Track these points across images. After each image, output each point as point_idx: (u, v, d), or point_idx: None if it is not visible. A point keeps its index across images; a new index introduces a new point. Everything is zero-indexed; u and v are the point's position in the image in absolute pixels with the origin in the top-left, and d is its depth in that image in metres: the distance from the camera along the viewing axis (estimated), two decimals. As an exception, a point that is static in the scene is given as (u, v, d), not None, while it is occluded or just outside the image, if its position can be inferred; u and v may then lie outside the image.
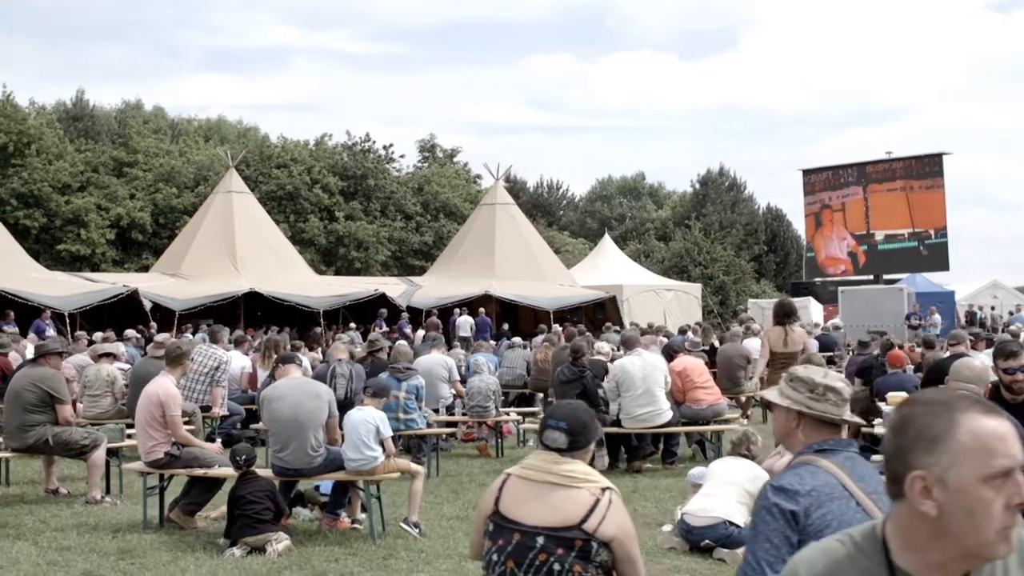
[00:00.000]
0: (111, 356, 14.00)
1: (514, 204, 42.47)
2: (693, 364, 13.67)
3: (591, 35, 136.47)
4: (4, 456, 11.31)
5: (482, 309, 34.13)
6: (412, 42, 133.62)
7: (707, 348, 20.33)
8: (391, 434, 9.09)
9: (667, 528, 9.19)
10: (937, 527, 2.18)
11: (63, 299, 28.20)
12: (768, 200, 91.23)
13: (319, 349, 20.18)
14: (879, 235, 47.76)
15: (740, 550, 7.44)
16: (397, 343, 14.91)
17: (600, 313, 37.10)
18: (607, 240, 49.77)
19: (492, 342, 25.93)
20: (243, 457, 8.77)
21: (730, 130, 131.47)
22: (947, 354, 12.08)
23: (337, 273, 46.01)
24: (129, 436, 11.43)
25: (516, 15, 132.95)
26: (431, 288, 36.76)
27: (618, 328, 28.19)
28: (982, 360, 7.41)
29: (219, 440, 12.54)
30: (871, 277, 46.68)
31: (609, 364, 13.84)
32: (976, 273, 65.03)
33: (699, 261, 55.94)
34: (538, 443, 4.26)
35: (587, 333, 22.36)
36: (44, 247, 44.53)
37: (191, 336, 24.57)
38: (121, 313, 29.56)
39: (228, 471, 9.13)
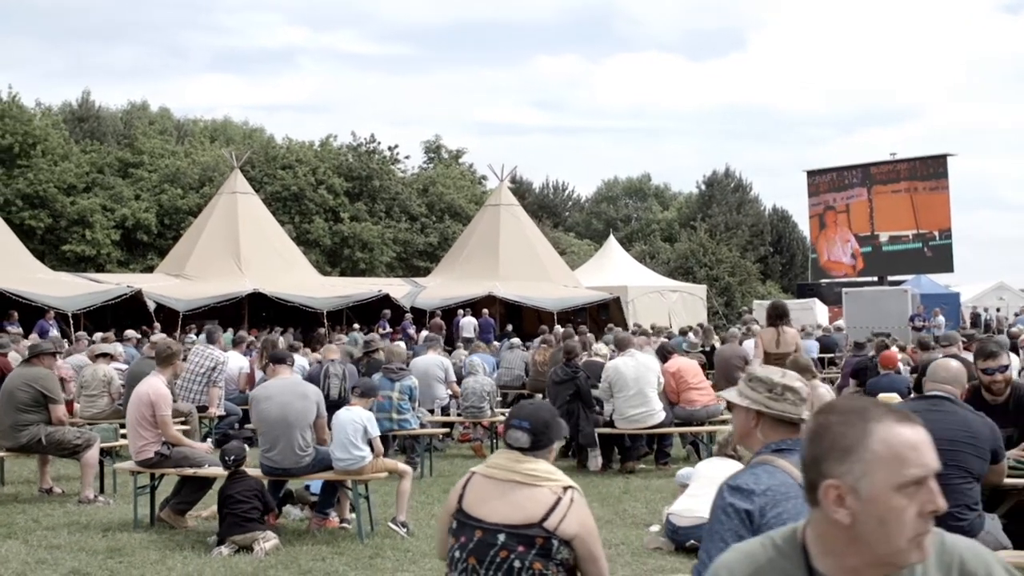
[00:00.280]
0: (108, 356, 14.06)
1: (518, 205, 42.48)
2: (687, 365, 13.71)
3: (597, 36, 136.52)
4: (-1, 455, 11.38)
5: (486, 310, 34.16)
6: (418, 42, 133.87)
7: (708, 349, 20.38)
8: (379, 434, 9.13)
9: (654, 528, 9.22)
10: (851, 534, 2.20)
11: (67, 300, 28.29)
12: (774, 201, 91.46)
13: (321, 350, 20.21)
14: (883, 236, 47.74)
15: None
16: (390, 344, 14.94)
17: (604, 314, 37.09)
18: (612, 241, 49.79)
19: (496, 343, 25.96)
20: (232, 457, 8.82)
21: (736, 131, 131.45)
22: (940, 355, 12.07)
23: (342, 274, 46.07)
24: (123, 436, 11.48)
25: (522, 16, 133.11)
26: (435, 289, 36.80)
27: (620, 330, 28.21)
28: (959, 361, 7.42)
29: (211, 440, 12.58)
30: (875, 279, 46.65)
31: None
32: (982, 275, 64.95)
33: (704, 262, 55.91)
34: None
35: (588, 334, 22.39)
36: (49, 248, 44.68)
37: (195, 337, 24.65)
38: (125, 314, 29.64)
39: (218, 470, 9.18)
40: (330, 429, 9.29)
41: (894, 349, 16.60)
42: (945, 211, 46.15)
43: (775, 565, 2.34)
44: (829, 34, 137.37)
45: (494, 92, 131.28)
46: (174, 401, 13.21)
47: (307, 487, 9.95)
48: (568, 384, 12.72)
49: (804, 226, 59.84)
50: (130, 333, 21.40)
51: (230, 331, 24.00)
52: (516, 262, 38.07)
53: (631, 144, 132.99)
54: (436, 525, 4.41)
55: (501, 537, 3.96)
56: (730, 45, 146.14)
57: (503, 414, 15.34)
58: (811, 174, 50.82)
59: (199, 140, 57.37)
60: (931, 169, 46.57)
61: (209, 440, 12.41)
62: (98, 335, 20.02)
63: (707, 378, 14.68)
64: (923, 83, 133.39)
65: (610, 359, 14.68)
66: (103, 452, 11.29)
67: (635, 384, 12.41)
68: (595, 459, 12.74)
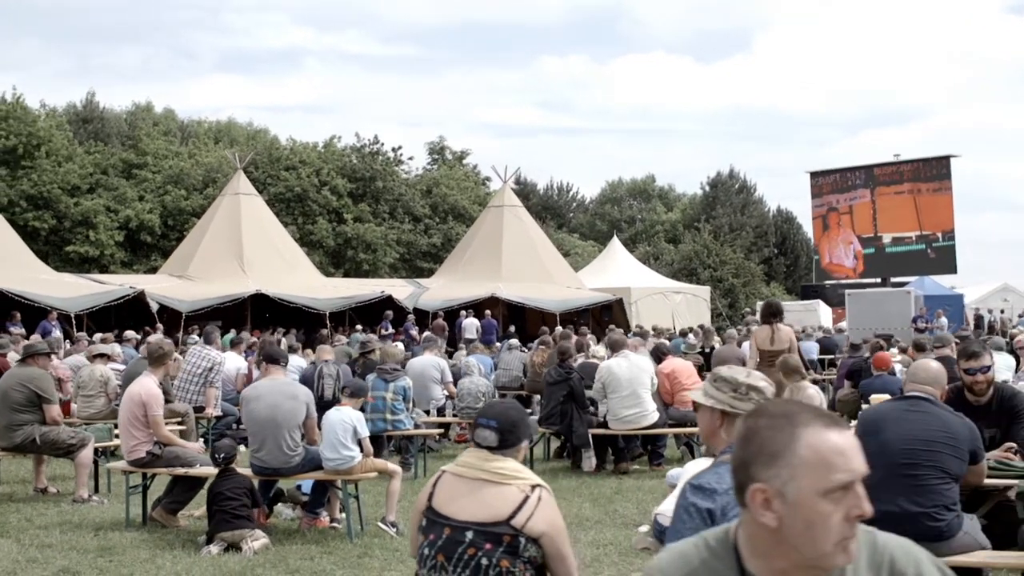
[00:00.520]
0: (105, 357, 14.12)
1: (522, 206, 42.54)
2: (681, 366, 13.74)
3: (604, 37, 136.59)
4: (-6, 455, 11.44)
5: (488, 311, 34.18)
6: (424, 43, 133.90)
7: (707, 351, 20.40)
8: (367, 435, 9.18)
9: (643, 529, 9.24)
10: (778, 537, 2.21)
11: (69, 300, 28.38)
12: (780, 203, 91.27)
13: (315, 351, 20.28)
14: (886, 238, 47.71)
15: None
16: (384, 344, 14.98)
17: (607, 316, 37.11)
18: (615, 242, 49.84)
19: (498, 344, 25.98)
20: (222, 454, 8.88)
21: (742, 132, 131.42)
22: (933, 356, 12.10)
23: (346, 275, 46.16)
24: (117, 435, 11.54)
25: (528, 17, 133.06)
26: (438, 290, 36.86)
27: (622, 331, 28.23)
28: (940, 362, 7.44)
29: (201, 440, 12.64)
30: (879, 280, 46.63)
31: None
32: (987, 276, 64.83)
33: (708, 264, 55.98)
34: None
35: (589, 336, 22.41)
36: (53, 249, 44.82)
37: (197, 338, 24.70)
38: (128, 315, 29.73)
39: (209, 470, 9.23)
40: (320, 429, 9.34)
41: (893, 350, 16.65)
42: (948, 213, 46.13)
43: (708, 566, 2.35)
44: (835, 35, 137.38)
45: (500, 93, 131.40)
46: (169, 401, 13.37)
47: (298, 487, 10.00)
48: (562, 385, 12.76)
49: (808, 227, 59.93)
50: (129, 334, 21.48)
51: (232, 332, 24.09)
52: (519, 263, 38.12)
53: (636, 145, 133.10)
54: (409, 523, 4.46)
55: (469, 534, 4.00)
56: (736, 46, 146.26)
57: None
58: (814, 175, 50.80)
59: (203, 141, 57.53)
60: (934, 170, 46.54)
61: (201, 440, 12.45)
62: (97, 336, 20.09)
63: (704, 379, 14.72)
64: (929, 84, 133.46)
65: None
66: (98, 452, 11.36)
67: (628, 385, 12.44)
68: (589, 460, 12.77)
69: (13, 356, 16.01)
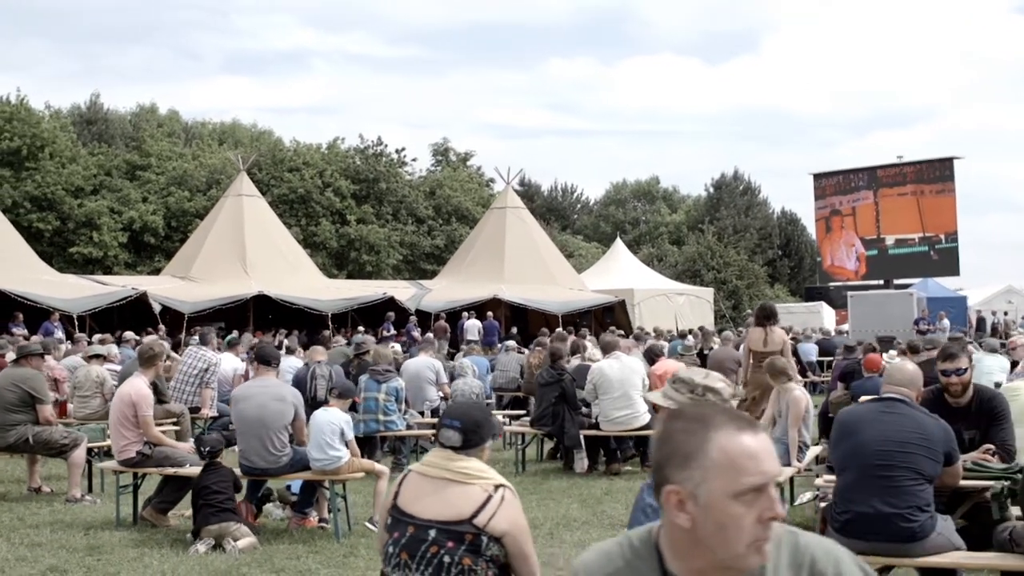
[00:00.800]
0: (100, 358, 14.19)
1: (524, 208, 42.62)
2: (674, 368, 13.72)
3: (611, 39, 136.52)
4: (-12, 454, 11.53)
5: (491, 313, 34.25)
6: (431, 45, 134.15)
7: (706, 352, 20.45)
8: (353, 436, 9.23)
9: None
10: (693, 538, 2.25)
11: (72, 301, 28.53)
12: (784, 204, 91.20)
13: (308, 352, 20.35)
14: (889, 239, 47.73)
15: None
16: (378, 345, 15.04)
17: (609, 317, 37.16)
18: (619, 244, 49.88)
19: (499, 345, 26.02)
20: (207, 448, 8.96)
21: (747, 134, 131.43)
22: (924, 358, 12.13)
23: (349, 277, 46.25)
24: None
25: (535, 18, 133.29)
26: (440, 292, 36.96)
27: (623, 333, 28.27)
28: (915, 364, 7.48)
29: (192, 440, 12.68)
30: (881, 282, 46.62)
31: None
32: (991, 278, 64.76)
33: (712, 265, 55.99)
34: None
35: (588, 338, 22.44)
36: (57, 250, 44.97)
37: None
38: (131, 316, 29.85)
39: (199, 470, 9.28)
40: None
41: (892, 352, 16.64)
42: (951, 214, 46.14)
43: (631, 565, 2.39)
44: (841, 37, 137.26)
45: (506, 95, 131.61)
46: (165, 402, 13.44)
47: (288, 487, 10.06)
48: (554, 386, 12.83)
49: (813, 229, 59.93)
50: (128, 335, 21.55)
51: (235, 333, 24.17)
52: (521, 265, 38.20)
53: (641, 147, 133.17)
54: (378, 522, 4.51)
55: (432, 533, 4.05)
56: (743, 48, 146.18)
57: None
58: (817, 177, 50.83)
59: (207, 143, 57.67)
60: (937, 172, 46.57)
61: (190, 440, 12.50)
62: (96, 337, 20.18)
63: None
64: (935, 85, 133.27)
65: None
66: (92, 452, 11.43)
67: (620, 386, 12.49)
68: (581, 461, 12.82)
69: (12, 357, 16.09)
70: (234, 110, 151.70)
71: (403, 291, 36.31)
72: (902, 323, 34.30)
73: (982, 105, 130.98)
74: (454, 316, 33.68)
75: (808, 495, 9.73)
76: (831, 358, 25.16)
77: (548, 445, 14.53)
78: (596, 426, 12.78)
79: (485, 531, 4.03)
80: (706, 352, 20.90)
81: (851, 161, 64.84)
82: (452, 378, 15.57)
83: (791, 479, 9.87)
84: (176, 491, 9.69)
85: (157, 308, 30.10)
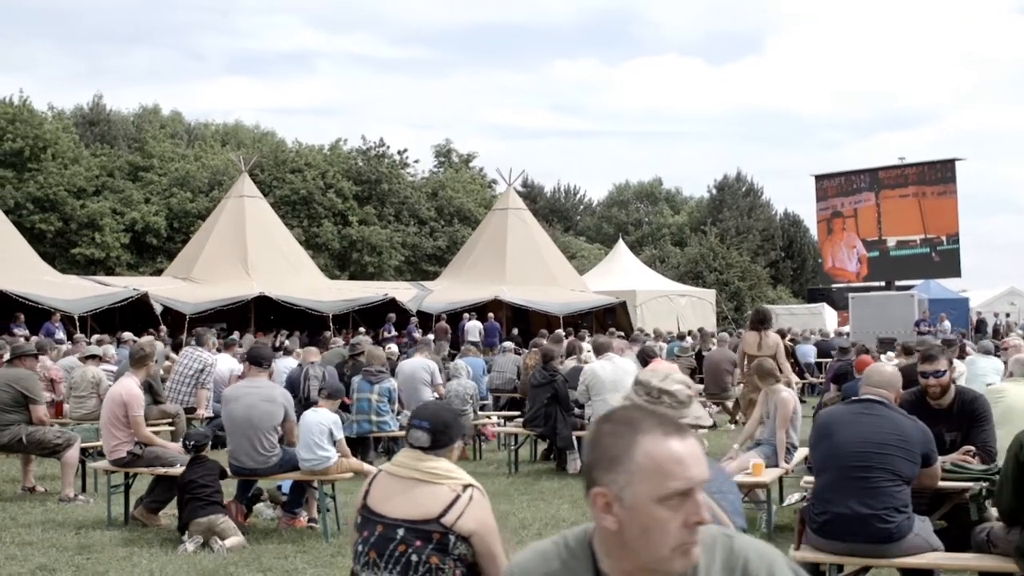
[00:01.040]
0: (96, 358, 14.25)
1: (526, 209, 42.63)
2: (667, 369, 13.79)
3: (614, 39, 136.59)
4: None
5: (492, 314, 34.29)
6: (435, 46, 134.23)
7: (703, 354, 20.49)
8: (343, 436, 9.28)
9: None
10: (619, 540, 2.27)
11: (73, 302, 28.60)
12: (787, 206, 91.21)
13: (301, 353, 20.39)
14: (891, 241, 47.78)
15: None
16: (370, 346, 15.08)
17: (611, 319, 37.17)
18: (621, 245, 49.87)
19: (500, 345, 26.03)
20: (192, 442, 9.03)
21: (751, 135, 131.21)
22: (916, 360, 12.12)
23: (351, 278, 46.32)
24: (103, 436, 11.68)
25: (539, 19, 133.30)
26: (442, 293, 37.00)
27: (623, 334, 28.29)
28: (894, 365, 7.52)
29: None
30: (883, 283, 46.64)
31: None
32: (994, 280, 64.67)
33: (714, 267, 55.94)
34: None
35: (587, 339, 22.46)
36: (59, 251, 45.07)
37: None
38: (133, 317, 29.94)
39: (187, 468, 9.35)
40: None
41: (891, 354, 16.64)
42: (953, 216, 46.16)
43: (567, 565, 2.42)
44: (844, 38, 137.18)
45: (510, 95, 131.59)
46: (161, 402, 13.51)
47: (279, 487, 10.11)
48: (546, 387, 12.88)
49: (815, 231, 59.92)
50: (127, 336, 21.61)
51: (235, 334, 24.22)
52: (523, 266, 38.22)
53: (644, 148, 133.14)
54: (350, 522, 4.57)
55: (400, 532, 4.11)
56: (747, 49, 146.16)
57: (487, 417, 15.62)
58: (819, 179, 50.87)
59: (209, 144, 57.75)
60: (939, 174, 46.60)
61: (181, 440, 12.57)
62: (95, 337, 20.24)
63: (698, 383, 14.83)
64: (938, 87, 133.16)
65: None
66: (86, 452, 11.50)
67: (612, 387, 12.51)
68: (573, 462, 12.86)
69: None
70: (237, 111, 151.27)
71: (404, 292, 36.38)
72: (903, 325, 34.31)
73: (983, 106, 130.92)
74: (455, 317, 33.71)
75: (796, 496, 9.75)
76: (829, 360, 25.21)
77: (541, 446, 14.58)
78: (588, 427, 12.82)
79: (453, 530, 4.08)
80: (704, 354, 20.95)
81: (854, 162, 65.09)
82: (449, 379, 15.62)
83: (780, 480, 9.89)
84: (167, 491, 9.73)
85: (158, 309, 30.19)
